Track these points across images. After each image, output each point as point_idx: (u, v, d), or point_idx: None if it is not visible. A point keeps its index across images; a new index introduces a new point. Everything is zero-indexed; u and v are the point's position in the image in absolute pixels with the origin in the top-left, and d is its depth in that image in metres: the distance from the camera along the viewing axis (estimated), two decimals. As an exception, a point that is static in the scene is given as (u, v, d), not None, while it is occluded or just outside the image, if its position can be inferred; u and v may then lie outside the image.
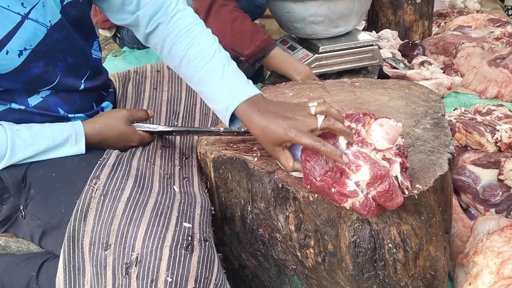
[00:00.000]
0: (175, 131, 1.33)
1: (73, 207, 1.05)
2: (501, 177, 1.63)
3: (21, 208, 1.20)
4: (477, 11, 3.87)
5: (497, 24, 3.25)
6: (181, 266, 0.95)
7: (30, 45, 1.10)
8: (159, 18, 1.26)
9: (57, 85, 1.21)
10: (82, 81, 1.27)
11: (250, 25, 2.05)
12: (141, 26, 1.29)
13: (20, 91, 1.17)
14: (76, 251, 1.02)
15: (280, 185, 1.10)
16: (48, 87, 1.20)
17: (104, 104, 1.37)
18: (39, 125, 1.17)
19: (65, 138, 1.17)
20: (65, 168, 1.17)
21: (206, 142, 1.28)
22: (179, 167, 1.24)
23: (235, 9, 2.08)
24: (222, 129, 1.28)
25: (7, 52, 1.05)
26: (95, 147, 1.22)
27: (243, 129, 1.26)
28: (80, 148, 1.19)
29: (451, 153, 1.15)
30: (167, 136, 1.35)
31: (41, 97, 1.20)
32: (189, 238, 1.00)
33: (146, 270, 0.94)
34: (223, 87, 1.16)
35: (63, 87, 1.23)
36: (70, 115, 1.26)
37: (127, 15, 1.29)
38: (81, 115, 1.28)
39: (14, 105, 1.17)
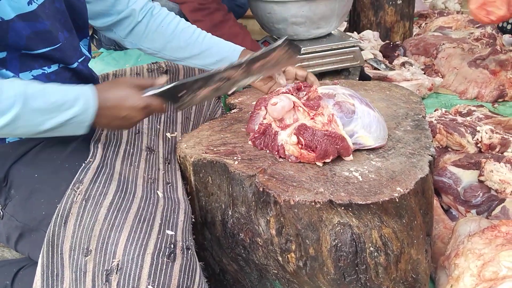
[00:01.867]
0: (179, 86, 1.17)
1: (54, 210, 1.03)
2: (482, 178, 1.64)
3: (0, 208, 1.17)
4: (458, 12, 3.90)
5: (477, 25, 3.28)
6: (162, 275, 0.94)
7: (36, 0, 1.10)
8: (145, 10, 1.44)
9: (59, 49, 1.17)
10: (76, 61, 1.25)
11: (250, 43, 2.13)
12: (131, 18, 1.42)
13: (16, 59, 1.13)
14: (56, 256, 0.99)
15: (261, 189, 1.08)
16: (51, 48, 1.16)
17: None
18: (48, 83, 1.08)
19: (75, 96, 1.04)
20: (48, 169, 1.15)
21: (186, 145, 1.26)
22: (163, 172, 1.22)
23: (234, 24, 2.14)
24: (223, 67, 1.19)
25: None
26: (102, 114, 1.08)
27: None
28: (90, 109, 1.05)
29: (431, 156, 1.15)
30: (153, 138, 1.32)
31: (32, 75, 1.17)
32: (172, 246, 0.98)
33: (127, 277, 0.92)
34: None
35: (62, 56, 1.19)
36: None
37: (114, 16, 1.39)
38: None
39: (5, 72, 1.12)
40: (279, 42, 1.22)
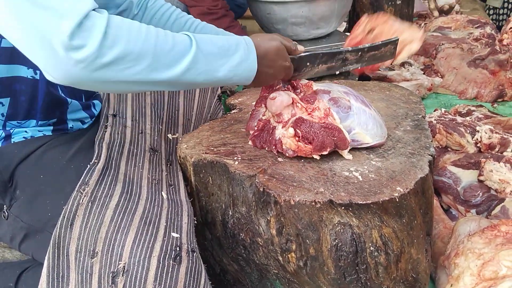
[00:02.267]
0: (310, 57, 1.22)
1: (60, 211, 1.03)
2: (481, 178, 1.64)
3: (5, 208, 1.17)
4: (457, 12, 3.91)
5: (476, 25, 3.28)
6: (168, 277, 0.94)
7: None
8: (141, 2, 1.43)
9: None
10: None
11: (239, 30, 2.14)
12: (128, 11, 1.40)
13: None
14: (61, 258, 0.99)
15: (261, 189, 1.09)
16: None
17: (95, 101, 1.36)
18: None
19: (236, 41, 1.06)
20: (53, 170, 1.15)
21: (186, 145, 1.26)
22: (166, 173, 1.23)
23: (240, 31, 2.18)
24: (350, 48, 1.27)
25: None
26: (260, 63, 1.09)
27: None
28: (252, 55, 1.07)
29: (431, 155, 1.15)
30: (156, 138, 1.32)
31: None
32: (177, 249, 0.98)
33: (133, 280, 0.92)
34: None
35: None
36: (68, 99, 1.24)
37: (113, 10, 1.38)
38: (76, 102, 1.26)
39: (25, 71, 1.12)
40: (392, 39, 1.32)
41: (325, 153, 1.13)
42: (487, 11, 4.14)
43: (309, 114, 1.14)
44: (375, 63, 1.35)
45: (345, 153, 1.16)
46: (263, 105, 1.23)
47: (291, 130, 1.13)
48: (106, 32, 0.85)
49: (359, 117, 1.18)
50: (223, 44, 1.02)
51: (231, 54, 1.03)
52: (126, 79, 0.90)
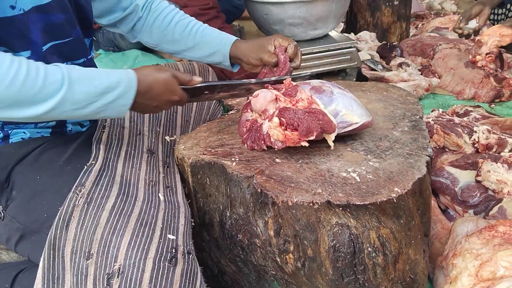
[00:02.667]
0: (207, 87, 1.24)
1: (56, 212, 1.03)
2: (479, 178, 1.64)
3: (1, 209, 1.17)
4: (454, 13, 3.92)
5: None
6: (164, 279, 0.94)
7: None
8: (146, 5, 1.47)
9: (69, 44, 1.19)
10: (84, 57, 1.27)
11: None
12: (134, 14, 1.45)
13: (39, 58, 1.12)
14: (57, 259, 0.99)
15: (259, 190, 1.08)
16: (62, 41, 1.18)
17: None
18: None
19: (118, 78, 1.06)
20: (50, 171, 1.15)
21: (183, 146, 1.26)
22: (163, 175, 1.22)
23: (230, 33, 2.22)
24: (253, 80, 1.28)
25: None
26: (141, 98, 1.10)
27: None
28: (131, 92, 1.07)
29: (429, 156, 1.15)
30: (153, 140, 1.32)
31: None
32: (173, 251, 0.98)
33: (128, 281, 0.92)
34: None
35: (70, 52, 1.21)
36: None
37: (119, 13, 1.42)
38: None
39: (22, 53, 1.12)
40: (302, 73, 1.36)
41: (312, 138, 1.12)
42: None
43: (293, 105, 1.15)
44: None
45: (331, 138, 1.15)
46: (248, 109, 1.24)
47: (276, 119, 1.13)
48: None
49: (343, 100, 1.18)
50: (101, 82, 1.03)
51: (107, 92, 1.03)
52: None
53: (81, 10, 1.25)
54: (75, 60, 1.23)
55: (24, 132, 1.20)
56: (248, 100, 1.26)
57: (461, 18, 2.64)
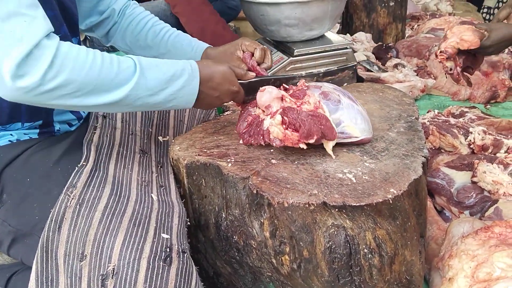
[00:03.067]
0: (262, 81, 1.27)
1: (47, 214, 1.02)
2: (475, 179, 1.64)
3: None
4: (450, 14, 3.92)
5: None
6: (159, 279, 0.93)
7: None
8: (122, 9, 1.47)
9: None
10: None
11: (231, 34, 2.28)
12: (110, 19, 1.44)
13: None
14: (50, 262, 0.99)
15: (255, 191, 1.08)
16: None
17: None
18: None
19: (181, 67, 1.11)
20: (41, 173, 1.14)
21: (179, 147, 1.25)
22: (156, 175, 1.22)
23: (214, 11, 2.21)
24: (303, 73, 1.33)
25: None
26: (204, 87, 1.15)
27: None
28: (195, 80, 1.12)
29: (425, 157, 1.15)
30: (145, 141, 1.31)
31: None
32: (168, 250, 0.98)
33: (123, 282, 0.92)
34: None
35: None
36: None
37: (96, 17, 1.40)
38: None
39: None
40: (350, 64, 1.47)
41: (311, 141, 1.12)
42: (482, 9, 4.16)
43: (298, 107, 1.15)
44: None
45: (330, 146, 1.15)
46: (249, 107, 1.25)
47: (279, 117, 1.13)
48: (52, 62, 0.92)
49: (349, 111, 1.18)
50: (169, 69, 1.08)
51: (175, 80, 1.08)
52: (65, 103, 0.98)
53: (65, 9, 1.24)
54: None
55: (11, 135, 1.19)
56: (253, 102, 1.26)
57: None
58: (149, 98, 1.05)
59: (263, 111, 1.20)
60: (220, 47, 1.45)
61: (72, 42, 1.26)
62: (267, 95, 1.17)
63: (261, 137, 1.17)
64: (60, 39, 1.17)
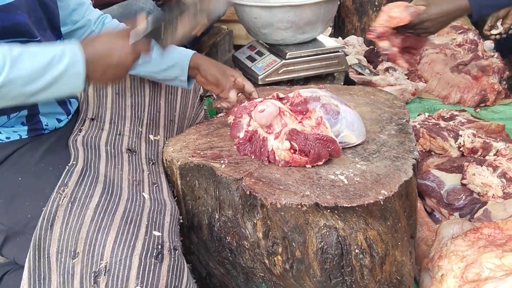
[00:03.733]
0: (161, 17, 1.15)
1: (39, 213, 1.03)
2: (464, 181, 1.67)
3: None
4: (440, 18, 3.95)
5: (459, 31, 3.32)
6: (151, 275, 0.95)
7: None
8: (100, 20, 1.45)
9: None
10: None
11: None
12: (85, 28, 1.41)
13: None
14: (42, 260, 0.99)
15: (248, 192, 1.09)
16: (29, 39, 1.14)
17: (71, 99, 1.34)
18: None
19: (61, 49, 1.02)
20: (32, 172, 1.14)
21: (172, 149, 1.26)
22: (148, 172, 1.22)
23: None
24: None
25: None
26: (91, 63, 1.05)
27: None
28: (79, 62, 1.03)
29: (415, 159, 1.17)
30: (134, 140, 1.31)
31: None
32: (159, 247, 0.99)
33: (115, 279, 0.93)
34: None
35: None
36: None
37: (69, 26, 1.38)
38: None
39: None
40: None
41: (320, 163, 1.14)
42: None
43: (299, 122, 1.15)
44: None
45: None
46: (243, 115, 1.24)
47: (287, 144, 1.13)
48: None
49: (347, 120, 1.20)
50: (45, 55, 1.00)
51: (54, 64, 1.00)
52: None
53: (49, 12, 1.23)
54: None
55: (0, 133, 1.18)
56: (243, 106, 1.26)
57: (490, 20, 2.58)
58: (26, 88, 0.98)
59: (263, 128, 1.20)
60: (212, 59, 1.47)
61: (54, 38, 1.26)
62: (267, 115, 1.16)
63: (266, 157, 1.18)
64: (44, 40, 1.17)
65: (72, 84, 1.03)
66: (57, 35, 1.30)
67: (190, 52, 1.46)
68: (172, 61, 1.43)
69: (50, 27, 1.24)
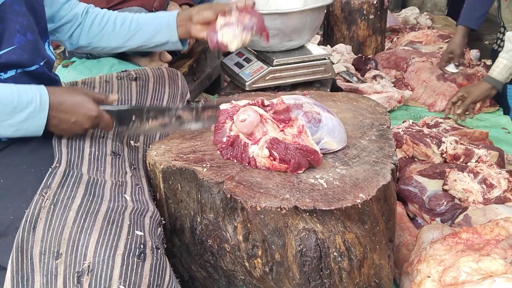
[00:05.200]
0: (133, 110, 1.26)
1: (22, 214, 1.03)
2: (446, 187, 1.69)
3: None
4: (429, 28, 4.01)
5: (446, 40, 3.37)
6: (133, 274, 0.95)
7: None
8: (84, 11, 1.48)
9: (14, 52, 1.17)
10: (37, 64, 1.24)
11: None
12: (73, 21, 1.45)
13: None
14: (25, 261, 1.00)
15: (229, 196, 1.10)
16: (5, 50, 1.16)
17: None
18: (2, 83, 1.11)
19: (29, 98, 1.09)
20: (14, 175, 1.15)
21: (155, 153, 1.28)
22: (131, 174, 1.23)
23: None
24: (180, 106, 1.31)
25: None
26: (55, 112, 1.13)
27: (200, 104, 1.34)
28: (43, 112, 1.10)
29: (394, 164, 1.19)
30: (118, 144, 1.33)
31: None
32: (142, 246, 1.00)
33: (98, 278, 0.94)
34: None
35: (18, 59, 1.19)
36: None
37: (56, 22, 1.42)
38: None
39: None
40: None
41: (300, 172, 1.16)
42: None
43: (281, 130, 1.17)
44: (211, 126, 1.33)
45: None
46: (227, 120, 1.25)
47: (266, 152, 1.15)
48: None
49: (328, 127, 1.21)
50: (11, 101, 1.07)
51: (17, 112, 1.07)
52: None
53: (36, 14, 1.25)
54: (26, 67, 1.22)
55: None
56: (225, 110, 1.27)
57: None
58: None
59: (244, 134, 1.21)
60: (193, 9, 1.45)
61: (43, 47, 1.27)
62: (249, 125, 1.17)
63: (247, 163, 1.20)
64: (29, 45, 1.19)
65: (33, 131, 1.12)
66: (46, 36, 1.31)
67: (174, 12, 1.46)
68: (157, 26, 1.46)
69: (39, 31, 1.26)
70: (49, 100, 1.11)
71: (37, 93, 1.10)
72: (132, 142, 1.39)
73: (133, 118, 1.26)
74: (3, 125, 1.07)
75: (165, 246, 1.12)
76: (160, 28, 1.45)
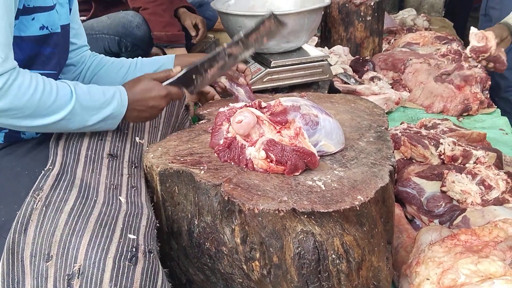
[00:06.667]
0: (190, 71, 1.36)
1: (13, 216, 1.04)
2: (444, 188, 1.68)
3: None
4: (426, 29, 4.01)
5: (444, 42, 3.37)
6: (124, 278, 0.95)
7: (50, 28, 1.25)
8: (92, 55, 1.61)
9: (49, 75, 1.24)
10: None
11: (169, 16, 2.53)
12: (81, 63, 1.57)
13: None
14: (16, 264, 1.00)
15: (226, 198, 1.10)
16: (47, 72, 1.25)
17: None
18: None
19: (112, 94, 1.22)
20: (7, 177, 1.15)
21: (152, 155, 1.27)
22: (127, 176, 1.23)
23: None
24: (225, 44, 1.41)
25: (32, 19, 1.20)
26: (131, 106, 1.26)
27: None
28: (123, 107, 1.24)
29: (392, 165, 1.18)
30: (117, 145, 1.32)
31: None
32: (134, 250, 1.00)
33: (88, 281, 0.93)
34: None
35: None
36: None
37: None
38: None
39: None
40: (266, 15, 1.43)
41: (297, 174, 1.16)
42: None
43: (278, 132, 1.16)
44: (266, 40, 1.46)
45: None
46: (224, 122, 1.24)
47: (263, 153, 1.15)
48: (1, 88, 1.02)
49: (326, 129, 1.21)
50: (99, 97, 1.20)
51: (104, 107, 1.21)
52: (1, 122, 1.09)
53: (65, 48, 1.39)
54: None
55: None
56: (221, 112, 1.27)
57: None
58: (81, 122, 1.18)
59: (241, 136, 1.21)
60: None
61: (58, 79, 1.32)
62: (245, 126, 1.17)
63: (244, 165, 1.19)
64: (50, 76, 1.22)
65: (112, 124, 1.26)
66: (61, 70, 1.36)
67: (172, 56, 1.58)
68: (158, 64, 1.57)
69: (61, 63, 1.35)
70: (126, 94, 1.25)
71: (117, 91, 1.24)
72: (137, 139, 1.39)
73: (194, 77, 1.38)
74: (92, 119, 1.20)
75: (159, 248, 1.11)
76: (159, 66, 1.56)
